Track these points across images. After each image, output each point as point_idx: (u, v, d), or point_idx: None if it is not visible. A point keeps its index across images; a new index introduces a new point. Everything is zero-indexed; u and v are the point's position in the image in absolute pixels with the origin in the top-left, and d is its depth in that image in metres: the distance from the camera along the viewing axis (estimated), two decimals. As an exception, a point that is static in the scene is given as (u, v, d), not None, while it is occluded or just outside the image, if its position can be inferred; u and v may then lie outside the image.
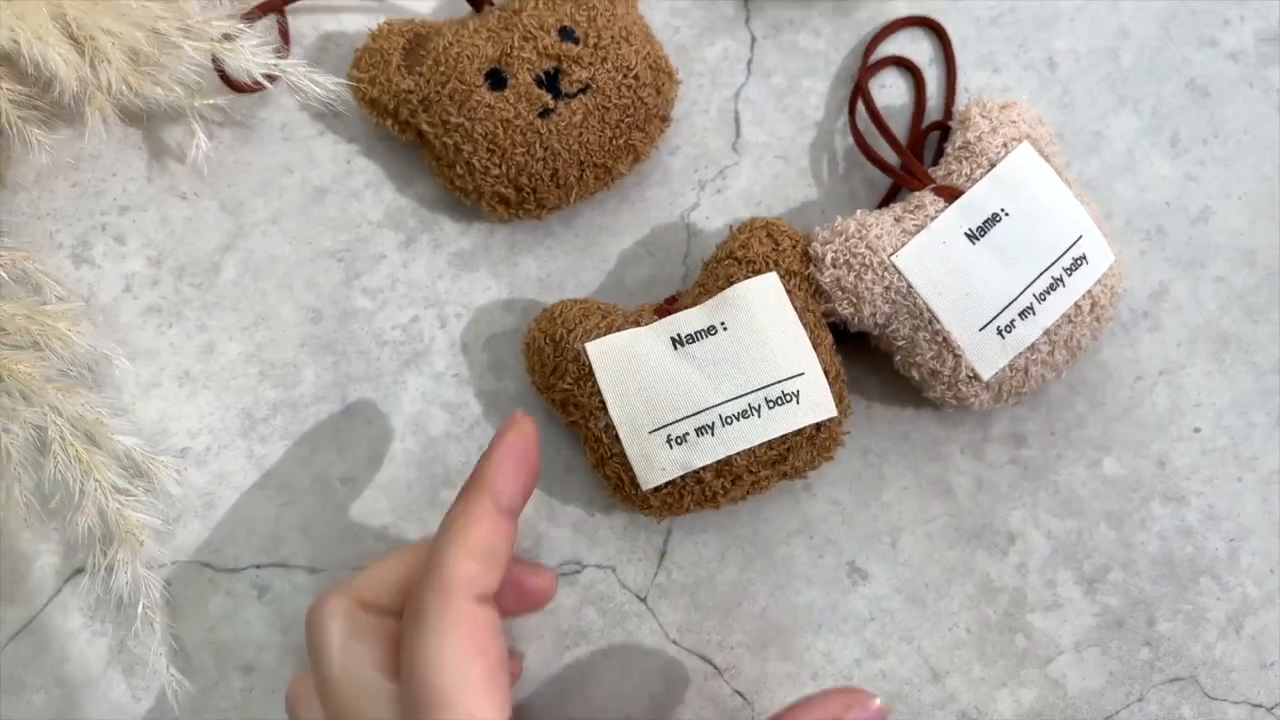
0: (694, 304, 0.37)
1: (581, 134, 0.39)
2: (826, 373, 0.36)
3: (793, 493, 0.40)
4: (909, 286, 0.37)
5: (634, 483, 0.36)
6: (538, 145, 0.38)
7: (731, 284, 0.37)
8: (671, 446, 0.35)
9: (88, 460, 0.37)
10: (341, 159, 0.43)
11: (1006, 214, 0.37)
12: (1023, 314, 0.37)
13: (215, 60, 0.39)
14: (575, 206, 0.42)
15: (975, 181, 0.38)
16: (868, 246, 0.37)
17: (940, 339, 0.37)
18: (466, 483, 0.31)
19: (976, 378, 0.37)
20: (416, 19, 0.41)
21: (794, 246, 0.38)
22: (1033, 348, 0.37)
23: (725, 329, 0.36)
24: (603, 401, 0.36)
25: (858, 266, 0.37)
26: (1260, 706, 0.38)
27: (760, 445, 0.36)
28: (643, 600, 0.39)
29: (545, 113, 0.38)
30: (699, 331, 0.36)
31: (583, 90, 0.39)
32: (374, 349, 0.41)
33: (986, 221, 0.37)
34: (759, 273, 0.37)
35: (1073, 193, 0.38)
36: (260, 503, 0.40)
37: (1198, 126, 0.44)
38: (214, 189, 0.42)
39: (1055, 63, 0.44)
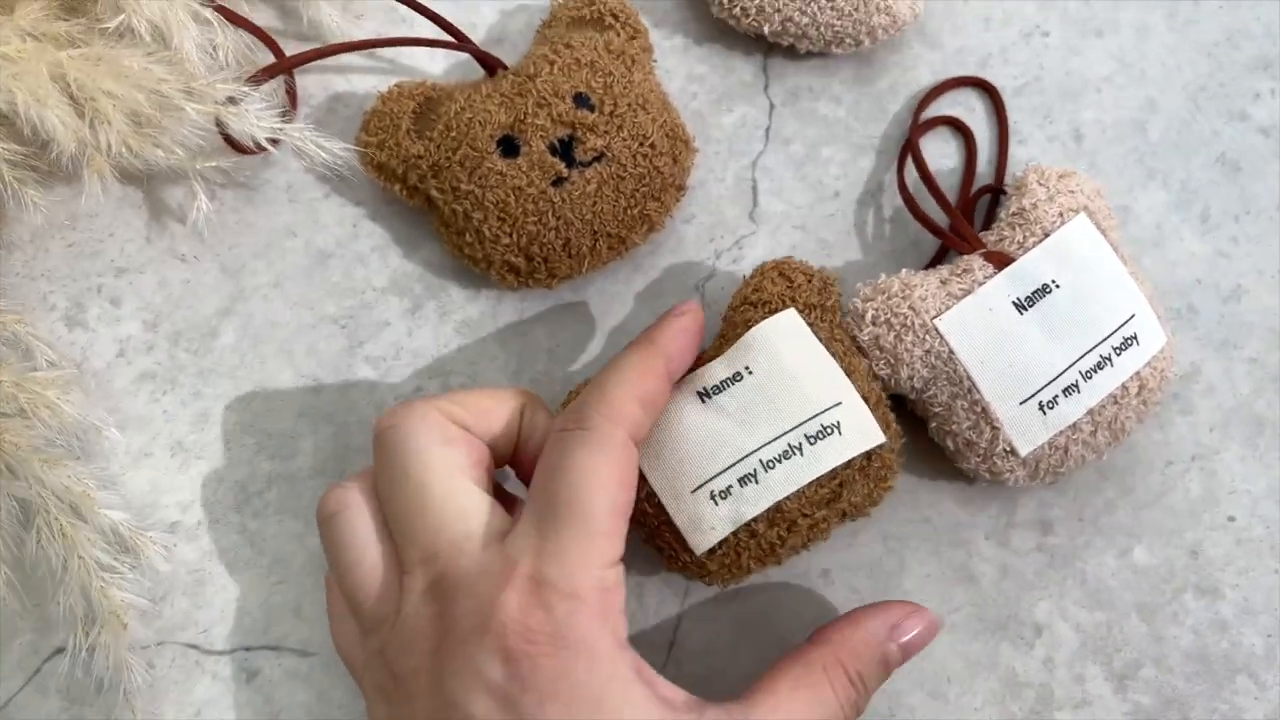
0: (716, 355, 0.35)
1: (595, 203, 0.37)
2: (866, 399, 0.35)
3: (809, 579, 0.38)
4: (950, 352, 0.35)
5: (688, 550, 0.34)
6: (550, 214, 0.37)
7: (749, 328, 0.35)
8: (716, 502, 0.33)
9: (72, 536, 0.35)
10: (347, 222, 0.41)
11: (1057, 286, 0.36)
12: (1066, 391, 0.35)
13: (219, 123, 0.37)
14: (587, 275, 0.40)
15: (1027, 250, 0.36)
16: (910, 307, 0.36)
17: (979, 409, 0.36)
18: (636, 341, 0.33)
19: (1014, 453, 0.36)
20: (427, 82, 0.40)
21: (809, 280, 0.37)
22: (1074, 427, 0.36)
23: (751, 373, 0.34)
24: (639, 469, 0.34)
25: (898, 326, 0.36)
26: (1302, 816, 0.36)
27: (810, 485, 0.34)
28: (651, 691, 0.37)
29: (558, 181, 0.37)
30: (724, 380, 0.34)
31: (598, 159, 0.37)
32: (376, 420, 0.39)
33: (1036, 292, 0.36)
34: (776, 313, 0.36)
35: (1128, 269, 0.37)
36: (252, 581, 0.38)
37: (1229, 202, 0.42)
38: (214, 251, 0.41)
39: (1081, 134, 0.43)
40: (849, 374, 0.35)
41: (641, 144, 0.38)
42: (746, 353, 0.35)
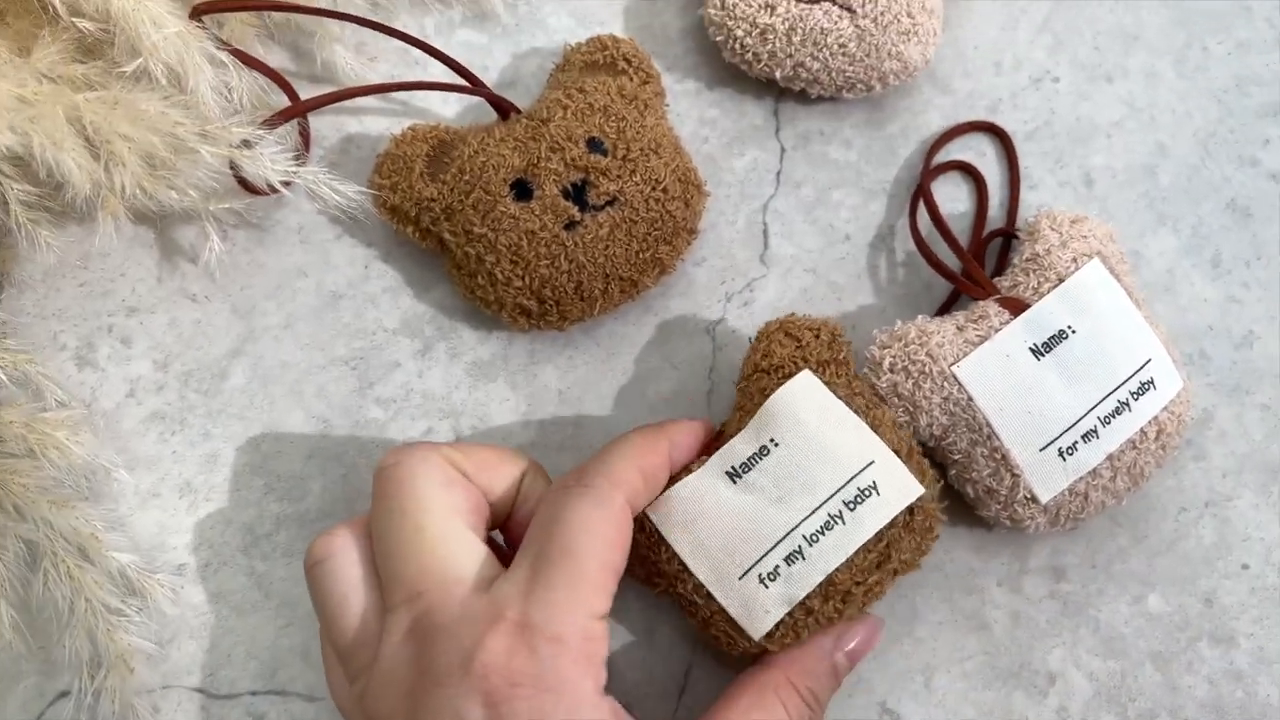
0: (738, 429, 0.35)
1: (608, 247, 0.37)
2: (897, 452, 0.34)
3: (821, 626, 0.38)
4: (969, 399, 0.35)
5: (745, 636, 0.33)
6: (562, 258, 0.37)
7: (766, 396, 0.35)
8: (767, 585, 0.32)
9: (79, 579, 0.35)
10: (359, 263, 0.41)
11: (1074, 331, 0.36)
12: (1086, 436, 0.35)
13: (233, 165, 0.38)
14: (598, 317, 0.40)
15: (1042, 295, 0.36)
16: (928, 354, 0.36)
17: (999, 456, 0.36)
18: (644, 427, 0.33)
19: (1034, 500, 0.36)
20: (441, 125, 0.40)
21: (817, 336, 0.36)
22: (1094, 473, 0.36)
23: (777, 445, 0.34)
24: (683, 563, 0.33)
25: (916, 374, 0.36)
26: None
27: (857, 552, 0.33)
28: (661, 739, 0.37)
29: (571, 225, 0.37)
30: (751, 457, 0.33)
31: (610, 203, 0.38)
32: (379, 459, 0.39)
33: (1052, 338, 0.36)
34: (789, 376, 0.35)
35: (1142, 314, 0.37)
36: (259, 624, 0.38)
37: (1240, 247, 0.42)
38: (226, 291, 0.41)
39: (1092, 179, 0.43)
40: (875, 427, 0.34)
41: (654, 188, 0.38)
42: (769, 424, 0.34)
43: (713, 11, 0.42)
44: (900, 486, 0.33)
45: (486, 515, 0.32)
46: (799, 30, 0.41)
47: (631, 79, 0.40)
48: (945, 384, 0.36)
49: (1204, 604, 0.38)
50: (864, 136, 0.44)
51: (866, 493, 0.33)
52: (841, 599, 0.33)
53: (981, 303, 0.37)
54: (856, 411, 0.34)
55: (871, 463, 0.33)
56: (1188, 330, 0.41)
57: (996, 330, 0.36)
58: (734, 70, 0.43)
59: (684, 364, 0.41)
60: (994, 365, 0.36)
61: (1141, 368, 0.36)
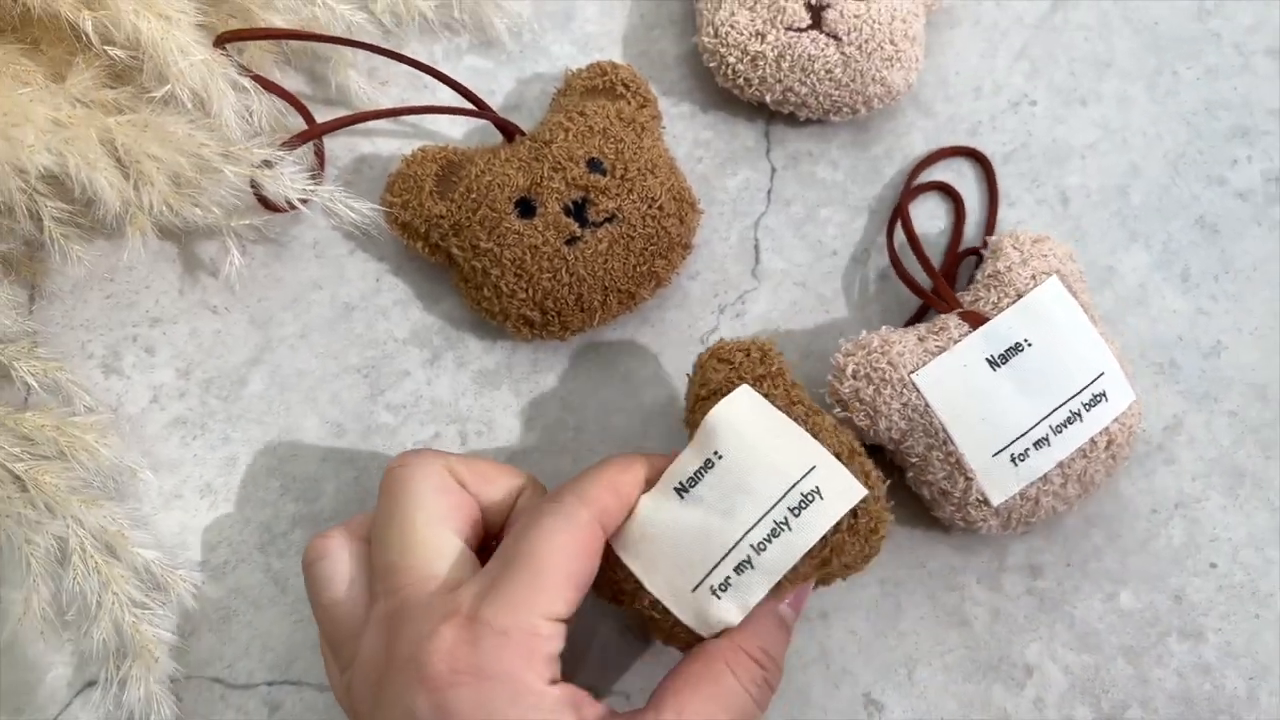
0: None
1: (607, 261, 0.40)
2: (839, 455, 0.34)
3: (809, 621, 0.40)
4: (926, 405, 0.37)
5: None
6: (564, 271, 0.39)
7: None
8: (719, 596, 0.33)
9: (107, 573, 0.37)
10: (371, 277, 0.44)
11: (1029, 344, 0.38)
12: (1037, 444, 0.37)
13: (254, 184, 0.40)
14: (597, 328, 0.42)
15: (1001, 310, 0.38)
16: (889, 362, 0.38)
17: (953, 460, 0.37)
18: (621, 455, 0.34)
19: (986, 502, 0.38)
20: (449, 146, 0.42)
21: (748, 355, 0.36)
22: (1045, 479, 0.37)
23: (720, 457, 0.34)
24: (638, 580, 0.34)
25: (877, 381, 0.37)
26: None
27: (802, 558, 0.33)
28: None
29: (572, 240, 0.39)
30: (697, 471, 0.34)
31: (609, 219, 0.40)
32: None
33: (1009, 350, 0.38)
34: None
35: (1097, 330, 0.39)
36: (275, 618, 0.39)
37: (1208, 262, 0.44)
38: (244, 303, 0.43)
39: (1068, 198, 0.45)
40: (815, 433, 0.34)
41: (650, 205, 0.40)
42: (711, 438, 0.34)
43: (706, 39, 0.44)
44: (843, 490, 0.34)
45: (478, 523, 0.34)
46: (788, 57, 0.43)
47: (630, 103, 0.42)
48: (905, 390, 0.37)
49: (1174, 601, 0.40)
50: (850, 157, 0.46)
51: (810, 497, 0.33)
52: None
53: (944, 315, 0.39)
54: (796, 420, 0.35)
55: (813, 468, 0.34)
56: (1159, 341, 0.43)
57: (956, 341, 0.38)
58: (727, 94, 0.46)
59: (678, 372, 0.43)
60: (951, 374, 0.37)
61: (1094, 380, 0.38)
